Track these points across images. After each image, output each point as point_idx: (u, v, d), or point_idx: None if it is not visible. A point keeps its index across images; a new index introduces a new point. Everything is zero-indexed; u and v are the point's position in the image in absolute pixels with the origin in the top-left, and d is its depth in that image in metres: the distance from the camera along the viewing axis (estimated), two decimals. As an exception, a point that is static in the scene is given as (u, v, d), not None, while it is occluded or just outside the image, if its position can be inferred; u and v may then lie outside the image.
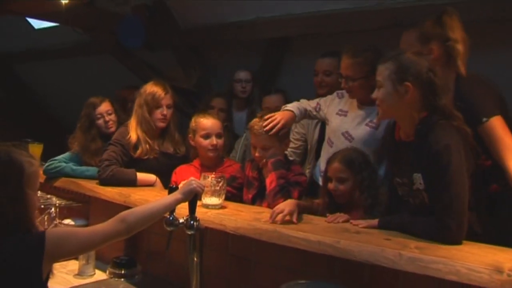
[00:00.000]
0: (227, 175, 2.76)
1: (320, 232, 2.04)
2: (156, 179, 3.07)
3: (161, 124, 3.19)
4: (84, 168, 3.32)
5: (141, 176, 3.06)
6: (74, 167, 3.32)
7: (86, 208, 3.21)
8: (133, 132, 3.13)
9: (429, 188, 2.01)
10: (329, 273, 2.03)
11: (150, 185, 3.07)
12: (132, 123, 3.17)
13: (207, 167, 3.01)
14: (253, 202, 2.74)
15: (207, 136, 3.02)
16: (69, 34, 5.23)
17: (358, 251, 1.85)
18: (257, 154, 2.71)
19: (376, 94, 2.16)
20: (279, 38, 4.28)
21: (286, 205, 2.21)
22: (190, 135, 3.08)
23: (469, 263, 1.64)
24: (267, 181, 2.63)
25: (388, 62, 2.12)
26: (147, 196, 2.72)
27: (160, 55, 4.86)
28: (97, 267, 2.81)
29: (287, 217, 2.15)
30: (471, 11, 2.96)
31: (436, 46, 2.32)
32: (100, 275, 2.76)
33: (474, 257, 1.72)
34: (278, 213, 2.15)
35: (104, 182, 3.01)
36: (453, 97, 2.28)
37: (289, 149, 3.12)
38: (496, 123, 2.22)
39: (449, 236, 1.87)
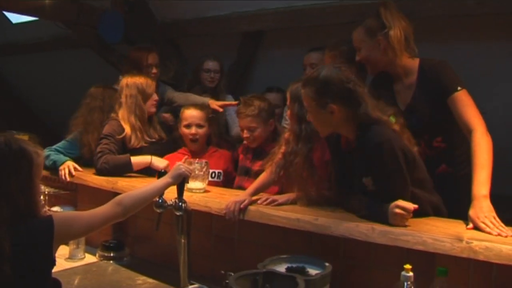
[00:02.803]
0: (212, 161, 2.93)
1: (299, 211, 2.16)
2: (152, 158, 3.07)
3: (153, 109, 3.34)
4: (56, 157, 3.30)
5: (135, 159, 3.08)
6: (52, 157, 3.29)
7: (74, 195, 3.24)
8: (126, 124, 3.18)
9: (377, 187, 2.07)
10: (308, 248, 2.14)
11: (147, 166, 3.08)
12: (123, 115, 3.20)
13: (194, 154, 3.17)
14: None
15: (188, 126, 3.21)
16: (47, 28, 5.21)
17: (334, 227, 1.97)
18: (245, 135, 2.98)
19: (309, 117, 2.21)
20: (253, 32, 4.36)
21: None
22: (178, 124, 3.28)
23: (434, 234, 1.79)
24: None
25: (306, 87, 2.14)
26: (134, 182, 2.80)
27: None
28: (87, 251, 2.85)
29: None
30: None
31: (381, 37, 2.39)
32: (90, 259, 2.81)
33: (438, 229, 1.86)
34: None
35: (100, 171, 3.03)
36: (416, 80, 2.38)
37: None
38: (467, 93, 2.28)
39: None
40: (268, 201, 2.30)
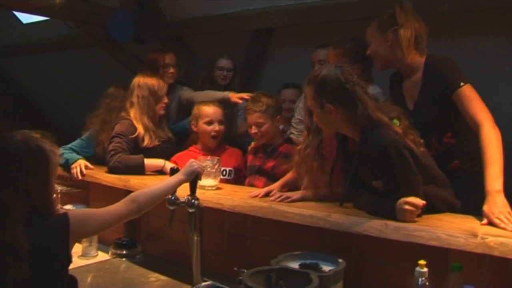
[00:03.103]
0: (224, 158, 2.97)
1: (312, 207, 2.16)
2: (165, 163, 3.11)
3: (163, 112, 3.36)
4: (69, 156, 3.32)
5: (149, 161, 3.10)
6: (65, 155, 3.30)
7: (86, 193, 3.27)
8: (139, 124, 3.20)
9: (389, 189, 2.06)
10: (321, 245, 2.14)
11: (160, 170, 3.12)
12: (135, 116, 3.22)
13: (207, 151, 3.16)
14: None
15: (210, 123, 3.18)
16: (57, 28, 5.21)
17: (348, 223, 1.97)
18: (253, 131, 3.02)
19: (314, 117, 2.23)
20: (262, 30, 4.36)
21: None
22: (193, 122, 3.25)
23: (448, 230, 1.78)
24: None
25: (308, 86, 2.16)
26: (146, 180, 2.81)
27: (148, 47, 4.89)
28: (100, 248, 2.87)
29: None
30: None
31: (391, 34, 2.40)
32: (102, 256, 2.83)
33: (453, 225, 1.86)
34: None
35: (112, 170, 3.05)
36: (421, 77, 2.39)
37: (295, 133, 3.29)
38: (472, 88, 2.28)
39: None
40: (282, 198, 2.31)
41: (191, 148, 3.27)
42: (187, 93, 3.89)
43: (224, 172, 3.10)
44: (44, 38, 5.83)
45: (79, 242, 2.75)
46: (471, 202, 2.10)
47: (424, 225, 1.85)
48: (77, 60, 5.85)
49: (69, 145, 3.39)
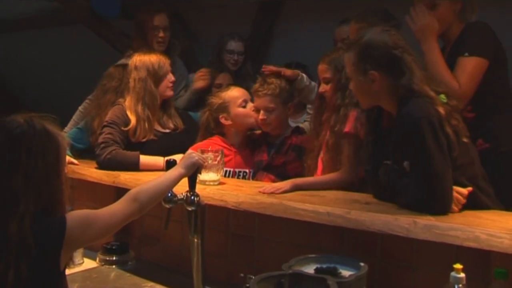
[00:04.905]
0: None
1: (328, 203, 2.16)
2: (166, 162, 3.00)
3: (170, 92, 3.26)
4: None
5: (146, 160, 3.04)
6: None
7: (70, 192, 3.24)
8: (132, 114, 3.10)
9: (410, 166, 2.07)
10: (339, 246, 2.14)
11: (159, 170, 2.93)
12: (129, 103, 3.14)
13: (238, 147, 3.12)
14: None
15: (245, 103, 3.12)
16: (32, 2, 5.21)
17: (370, 221, 1.97)
18: (261, 117, 2.97)
19: (350, 85, 2.28)
20: (270, 2, 4.35)
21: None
22: (222, 115, 3.09)
23: (489, 229, 1.76)
24: None
25: (349, 50, 2.19)
26: (138, 175, 2.81)
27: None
28: (86, 255, 2.85)
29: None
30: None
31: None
32: (89, 264, 2.82)
33: (494, 223, 1.84)
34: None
35: (101, 165, 3.02)
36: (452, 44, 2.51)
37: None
38: (475, 62, 2.41)
39: (431, 210, 1.96)
40: (270, 189, 2.36)
41: (213, 139, 3.13)
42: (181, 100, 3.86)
43: (245, 174, 3.09)
44: (16, 14, 5.81)
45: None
46: (503, 187, 2.14)
47: (460, 223, 1.83)
48: (57, 39, 5.83)
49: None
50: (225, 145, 3.07)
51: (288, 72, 3.09)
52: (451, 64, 2.47)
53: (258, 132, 3.20)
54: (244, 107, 3.10)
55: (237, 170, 3.05)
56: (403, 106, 2.06)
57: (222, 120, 3.10)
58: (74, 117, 3.66)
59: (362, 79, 2.15)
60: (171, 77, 3.24)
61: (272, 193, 2.36)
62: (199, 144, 3.01)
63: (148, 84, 3.14)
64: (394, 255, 2.04)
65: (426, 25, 2.48)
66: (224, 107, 3.11)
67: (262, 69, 3.12)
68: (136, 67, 3.17)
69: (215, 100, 3.15)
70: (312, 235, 2.22)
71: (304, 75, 3.13)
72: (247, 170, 3.09)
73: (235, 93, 3.14)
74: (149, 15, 3.79)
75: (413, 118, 2.01)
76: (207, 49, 4.64)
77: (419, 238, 1.87)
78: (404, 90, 2.07)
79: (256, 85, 3.06)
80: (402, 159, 2.10)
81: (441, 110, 2.05)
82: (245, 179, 3.06)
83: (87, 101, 3.63)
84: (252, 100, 3.12)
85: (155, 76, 3.16)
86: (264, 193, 2.36)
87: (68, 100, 3.64)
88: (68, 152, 3.17)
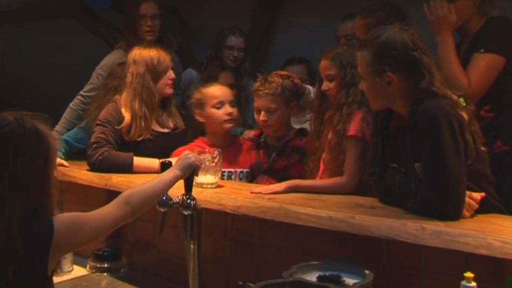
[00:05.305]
0: (242, 156, 3.04)
1: (331, 207, 2.18)
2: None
3: (169, 90, 3.24)
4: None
5: (140, 161, 3.04)
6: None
7: (59, 195, 3.24)
8: (127, 111, 3.10)
9: (422, 167, 2.08)
10: (343, 253, 2.15)
11: (153, 172, 2.93)
12: (125, 100, 3.14)
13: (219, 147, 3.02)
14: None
15: (220, 105, 3.09)
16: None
17: (375, 226, 1.97)
18: (261, 118, 2.95)
19: (361, 85, 2.28)
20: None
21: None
22: (197, 111, 3.14)
23: (502, 235, 1.76)
24: None
25: (363, 49, 2.19)
26: (131, 178, 2.82)
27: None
28: (75, 262, 2.85)
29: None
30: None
31: None
32: (79, 271, 2.81)
33: (508, 229, 1.85)
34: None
35: (93, 167, 3.02)
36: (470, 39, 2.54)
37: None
38: (490, 60, 2.44)
39: (442, 214, 1.97)
40: (260, 190, 2.41)
41: (196, 141, 3.17)
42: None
43: (241, 175, 3.10)
44: (0, 6, 5.81)
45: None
46: None
47: (471, 229, 1.84)
48: (45, 33, 5.83)
49: (64, 136, 3.39)
50: (206, 146, 3.03)
51: (298, 81, 3.11)
52: (468, 60, 2.49)
53: (255, 133, 3.21)
54: (219, 108, 3.08)
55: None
56: (419, 104, 2.07)
57: (197, 117, 3.15)
58: (66, 114, 3.66)
59: (377, 81, 2.14)
60: (171, 74, 3.22)
61: (260, 193, 2.40)
62: (183, 148, 3.03)
63: (146, 80, 3.13)
64: (400, 263, 2.04)
65: (442, 16, 2.50)
66: (200, 104, 3.14)
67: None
68: (134, 61, 3.16)
69: (195, 95, 3.18)
70: (314, 241, 2.22)
71: (311, 89, 3.14)
72: (232, 170, 3.10)
73: (213, 92, 3.13)
74: (135, 4, 3.79)
75: (430, 115, 2.01)
76: (204, 45, 4.65)
77: (428, 244, 1.88)
78: (424, 93, 2.07)
79: (257, 84, 3.05)
80: (412, 160, 2.10)
81: (464, 114, 2.06)
82: (231, 179, 3.08)
83: (79, 97, 3.64)
84: (233, 103, 3.12)
85: (154, 72, 3.15)
86: (253, 193, 2.41)
87: (56, 96, 3.63)
88: (59, 153, 3.22)
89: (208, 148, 2.70)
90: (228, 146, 3.11)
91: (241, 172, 3.09)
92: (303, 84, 3.16)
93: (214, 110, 3.09)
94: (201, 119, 3.15)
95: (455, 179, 1.98)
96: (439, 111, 2.01)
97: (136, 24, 3.75)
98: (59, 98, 3.65)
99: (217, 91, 3.13)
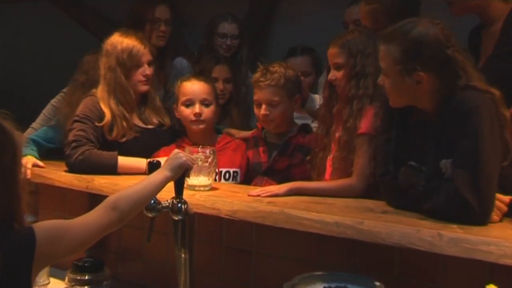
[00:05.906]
0: (226, 155, 3.03)
1: (338, 212, 2.16)
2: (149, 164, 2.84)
3: (144, 88, 3.19)
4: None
5: (125, 161, 3.01)
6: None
7: (33, 199, 3.20)
8: (106, 108, 3.08)
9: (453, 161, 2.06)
10: (351, 262, 2.14)
11: (141, 173, 2.88)
12: (102, 92, 3.11)
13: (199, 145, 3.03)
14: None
15: (188, 104, 3.09)
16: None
17: (387, 233, 1.96)
18: (262, 112, 2.95)
19: (382, 80, 2.25)
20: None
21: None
22: (174, 106, 3.18)
23: (529, 244, 1.75)
24: None
25: (391, 43, 2.17)
26: (116, 180, 2.80)
27: (117, 2, 4.87)
28: (52, 274, 2.85)
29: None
30: None
31: None
32: (56, 284, 2.81)
33: (536, 237, 1.83)
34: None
35: (73, 167, 2.98)
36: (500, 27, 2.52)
37: None
38: None
39: (469, 214, 1.95)
40: (257, 192, 2.41)
41: (179, 141, 3.18)
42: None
43: (228, 175, 3.08)
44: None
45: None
46: None
47: (495, 237, 1.82)
48: (17, 17, 5.81)
49: (32, 135, 3.36)
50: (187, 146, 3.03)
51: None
52: (506, 49, 2.49)
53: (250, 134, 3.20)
54: (187, 106, 3.09)
55: None
56: (452, 98, 2.06)
57: (175, 111, 3.19)
58: (45, 111, 3.64)
59: (406, 80, 2.12)
60: (145, 70, 3.16)
61: (259, 196, 2.40)
62: (165, 149, 3.08)
63: (118, 75, 3.10)
64: (414, 273, 2.04)
65: None
66: (176, 98, 3.18)
67: None
68: (107, 53, 3.14)
69: (175, 88, 3.22)
70: (318, 249, 2.22)
71: (316, 97, 3.15)
72: (230, 170, 3.10)
73: (184, 88, 3.14)
74: (148, 6, 3.79)
75: (469, 107, 2.00)
76: (197, 34, 4.64)
77: (445, 253, 1.86)
78: (461, 90, 2.07)
79: (257, 75, 3.02)
80: (438, 157, 2.09)
81: (506, 112, 2.06)
82: (236, 180, 3.09)
83: (61, 94, 3.61)
84: (207, 102, 3.10)
85: (124, 67, 3.11)
86: (250, 195, 2.41)
87: (30, 91, 3.62)
88: (34, 152, 3.21)
89: (201, 146, 2.68)
90: (209, 144, 3.03)
91: (227, 171, 3.07)
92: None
93: (183, 108, 3.13)
94: (177, 115, 3.18)
95: (489, 176, 1.97)
96: (480, 102, 2.01)
97: (148, 27, 3.73)
98: (36, 90, 3.63)
99: (188, 87, 3.13)
